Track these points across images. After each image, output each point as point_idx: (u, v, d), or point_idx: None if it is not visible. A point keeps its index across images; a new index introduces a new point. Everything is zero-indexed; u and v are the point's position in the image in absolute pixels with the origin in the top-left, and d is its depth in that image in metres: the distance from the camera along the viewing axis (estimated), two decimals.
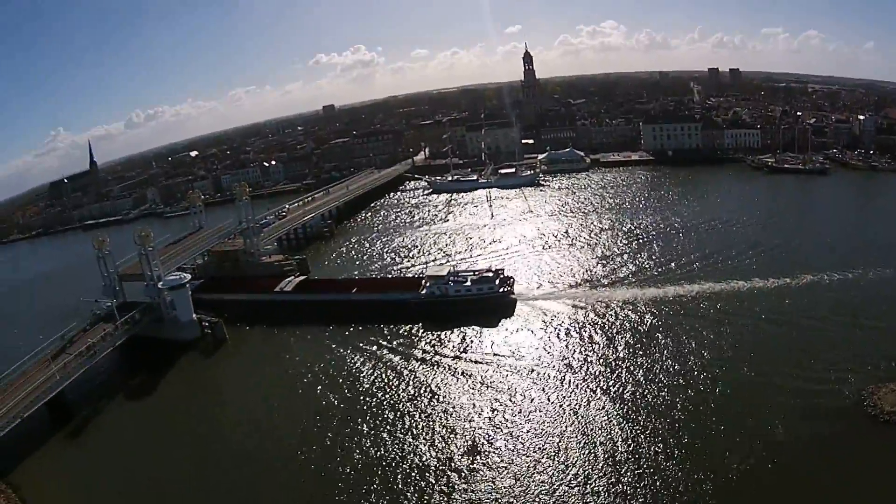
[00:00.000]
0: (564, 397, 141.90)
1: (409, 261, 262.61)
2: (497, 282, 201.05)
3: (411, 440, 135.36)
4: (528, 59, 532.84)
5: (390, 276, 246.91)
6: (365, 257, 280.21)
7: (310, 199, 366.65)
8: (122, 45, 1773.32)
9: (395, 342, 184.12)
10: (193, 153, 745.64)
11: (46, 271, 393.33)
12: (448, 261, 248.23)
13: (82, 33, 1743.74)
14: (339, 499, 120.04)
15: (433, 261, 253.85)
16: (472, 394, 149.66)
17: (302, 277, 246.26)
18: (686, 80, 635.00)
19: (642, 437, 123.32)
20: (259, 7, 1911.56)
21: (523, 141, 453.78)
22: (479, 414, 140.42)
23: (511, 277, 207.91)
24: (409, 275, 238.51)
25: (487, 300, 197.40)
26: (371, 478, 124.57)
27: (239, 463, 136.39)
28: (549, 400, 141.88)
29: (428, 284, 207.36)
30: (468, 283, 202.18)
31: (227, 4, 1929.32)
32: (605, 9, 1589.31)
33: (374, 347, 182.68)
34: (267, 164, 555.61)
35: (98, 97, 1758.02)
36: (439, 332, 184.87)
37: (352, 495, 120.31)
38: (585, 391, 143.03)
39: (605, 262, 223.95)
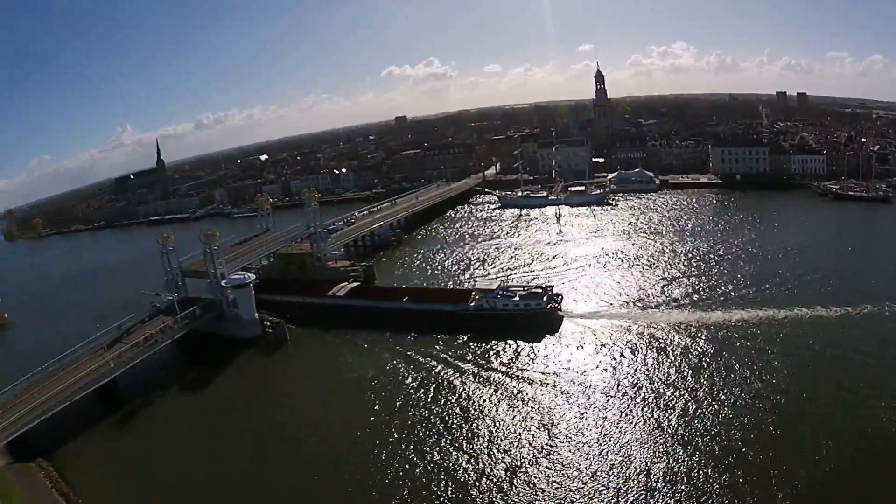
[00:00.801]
0: (608, 419, 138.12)
1: (474, 273, 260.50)
2: (545, 298, 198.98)
3: (455, 453, 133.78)
4: (599, 78, 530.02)
5: (442, 286, 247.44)
6: (431, 267, 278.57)
7: (376, 209, 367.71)
8: (195, 48, 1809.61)
9: (444, 354, 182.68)
10: (263, 157, 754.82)
11: (108, 263, 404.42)
12: (512, 274, 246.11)
13: (156, 34, 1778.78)
14: None
15: (499, 273, 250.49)
16: (517, 411, 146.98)
17: (355, 284, 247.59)
18: (755, 102, 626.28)
19: (688, 463, 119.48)
20: (333, 18, 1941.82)
21: (594, 160, 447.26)
22: (524, 431, 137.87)
23: (559, 294, 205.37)
24: (466, 287, 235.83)
25: (534, 316, 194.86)
26: (414, 487, 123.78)
27: (296, 465, 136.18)
28: (593, 422, 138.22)
29: (477, 297, 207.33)
30: (516, 298, 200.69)
31: (301, 14, 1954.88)
32: (675, 30, 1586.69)
33: (424, 358, 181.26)
34: (337, 172, 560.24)
35: (168, 97, 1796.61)
36: (486, 346, 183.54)
37: None
38: (631, 414, 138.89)
39: (663, 283, 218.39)
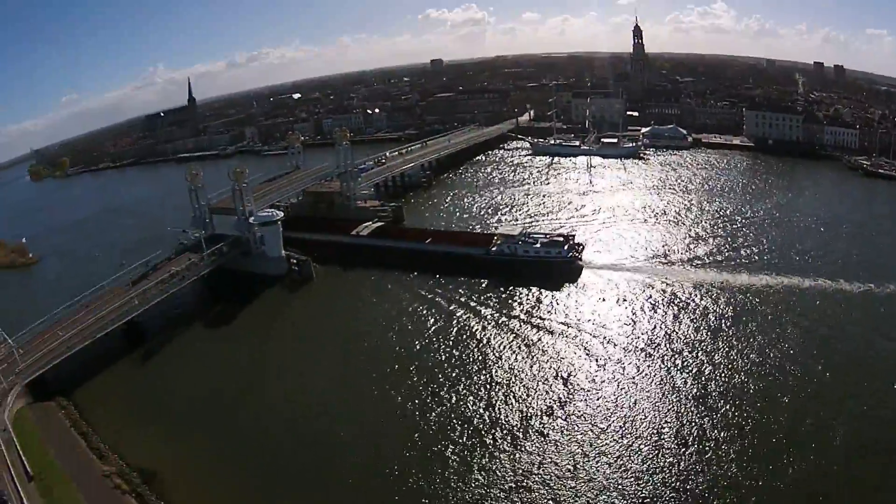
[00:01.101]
0: (625, 374, 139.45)
1: (502, 217, 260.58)
2: (566, 247, 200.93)
3: (472, 398, 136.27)
4: (637, 32, 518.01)
5: (466, 230, 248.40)
6: (460, 210, 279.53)
7: (405, 150, 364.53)
8: None
9: (465, 298, 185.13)
10: (296, 95, 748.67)
11: (135, 200, 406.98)
12: (540, 221, 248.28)
13: None
14: (393, 452, 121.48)
15: (526, 219, 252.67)
16: (534, 359, 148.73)
17: (379, 224, 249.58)
18: (791, 70, 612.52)
19: (700, 425, 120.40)
20: None
21: (628, 113, 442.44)
22: (541, 382, 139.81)
23: (581, 244, 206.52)
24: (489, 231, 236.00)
25: (554, 264, 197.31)
26: (429, 431, 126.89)
27: (316, 404, 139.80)
28: (609, 376, 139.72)
29: (499, 242, 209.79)
30: (538, 245, 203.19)
31: None
32: None
33: (445, 302, 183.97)
34: (370, 112, 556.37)
35: (200, 35, 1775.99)
36: (506, 292, 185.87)
37: (402, 450, 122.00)
38: (647, 372, 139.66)
39: (688, 241, 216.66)
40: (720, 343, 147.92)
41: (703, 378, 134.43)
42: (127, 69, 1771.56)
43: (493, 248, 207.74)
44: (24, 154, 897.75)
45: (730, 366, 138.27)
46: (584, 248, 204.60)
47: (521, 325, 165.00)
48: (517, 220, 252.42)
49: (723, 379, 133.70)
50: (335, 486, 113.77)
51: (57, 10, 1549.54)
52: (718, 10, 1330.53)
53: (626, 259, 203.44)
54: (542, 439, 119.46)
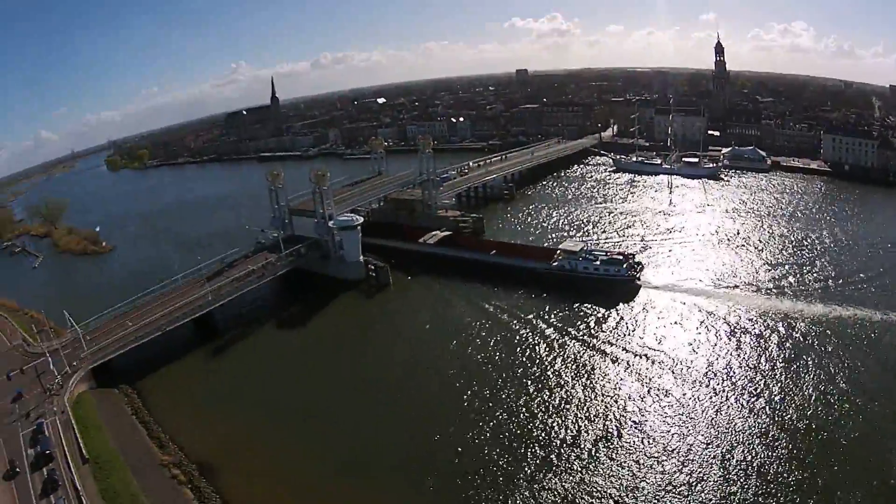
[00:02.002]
0: (679, 404, 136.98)
1: (576, 234, 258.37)
2: (625, 265, 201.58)
3: (524, 418, 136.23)
4: (719, 49, 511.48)
5: (531, 243, 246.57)
6: (539, 225, 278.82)
7: (484, 162, 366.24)
8: None
9: (527, 315, 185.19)
10: (381, 100, 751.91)
11: (213, 196, 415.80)
12: (615, 238, 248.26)
13: None
14: (442, 457, 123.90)
15: (600, 236, 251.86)
16: (590, 381, 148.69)
17: (447, 233, 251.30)
18: (868, 93, 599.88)
19: (759, 452, 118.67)
20: None
21: (709, 132, 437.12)
22: (595, 406, 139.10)
23: (640, 263, 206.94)
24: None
25: (612, 282, 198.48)
26: (479, 441, 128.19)
27: (379, 414, 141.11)
28: (665, 405, 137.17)
29: (560, 257, 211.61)
30: (597, 263, 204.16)
31: None
32: (796, 8, 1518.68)
33: (509, 317, 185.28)
34: (454, 120, 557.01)
35: (286, 35, 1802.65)
36: (565, 308, 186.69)
37: (455, 456, 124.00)
38: (703, 404, 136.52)
39: (756, 267, 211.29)
40: (781, 375, 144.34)
41: (761, 410, 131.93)
42: (209, 65, 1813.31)
43: (555, 263, 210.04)
44: (101, 144, 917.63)
45: (791, 400, 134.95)
46: (643, 267, 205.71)
47: (579, 347, 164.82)
48: (591, 236, 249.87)
49: (781, 412, 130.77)
50: (389, 484, 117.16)
51: (142, 4, 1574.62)
52: (798, 29, 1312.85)
53: (688, 281, 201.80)
54: (595, 463, 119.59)
